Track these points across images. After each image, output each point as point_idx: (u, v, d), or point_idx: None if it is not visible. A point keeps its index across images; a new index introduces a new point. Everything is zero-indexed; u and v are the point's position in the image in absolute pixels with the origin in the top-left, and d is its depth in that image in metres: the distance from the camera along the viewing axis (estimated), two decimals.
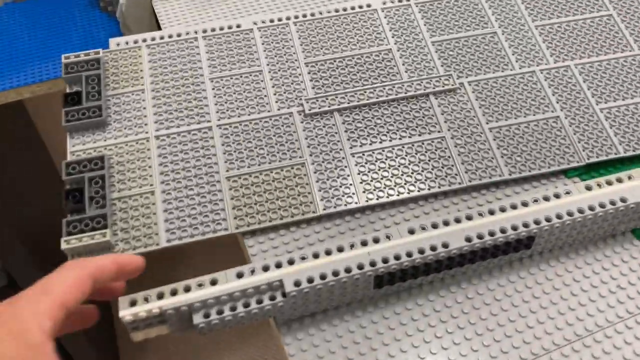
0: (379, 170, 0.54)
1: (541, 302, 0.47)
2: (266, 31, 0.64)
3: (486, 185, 0.54)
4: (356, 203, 0.52)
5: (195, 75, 0.61)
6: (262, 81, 0.60)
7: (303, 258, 0.45)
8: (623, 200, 0.47)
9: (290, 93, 0.59)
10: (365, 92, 0.59)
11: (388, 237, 0.45)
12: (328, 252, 0.45)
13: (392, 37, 0.64)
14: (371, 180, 0.54)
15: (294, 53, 0.62)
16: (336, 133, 0.57)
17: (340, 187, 0.53)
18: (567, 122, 0.57)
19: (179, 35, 0.63)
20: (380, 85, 0.59)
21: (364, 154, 0.55)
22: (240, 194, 0.53)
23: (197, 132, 0.57)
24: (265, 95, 0.59)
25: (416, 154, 0.55)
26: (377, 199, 0.53)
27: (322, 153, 0.55)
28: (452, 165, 0.54)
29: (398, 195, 0.53)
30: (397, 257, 0.44)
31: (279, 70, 0.61)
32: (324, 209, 0.52)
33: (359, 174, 0.54)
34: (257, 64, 0.61)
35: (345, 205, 0.52)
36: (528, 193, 0.54)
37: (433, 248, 0.45)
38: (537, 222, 0.46)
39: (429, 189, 0.53)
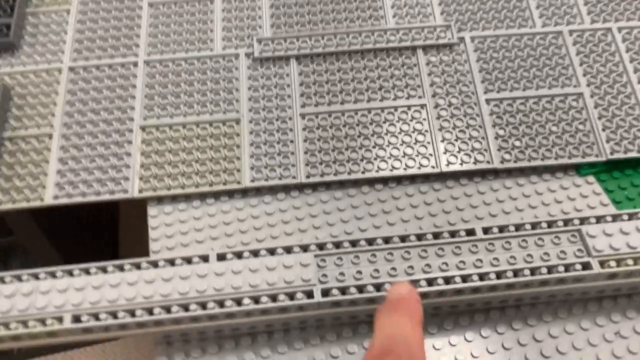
0: (331, 139, 0.42)
1: None
2: None
3: (468, 173, 0.42)
4: (294, 178, 0.41)
5: None
6: (211, 12, 0.48)
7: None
8: None
9: (241, 30, 0.47)
10: (335, 37, 0.46)
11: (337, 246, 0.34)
12: (239, 255, 0.34)
13: None
14: (319, 151, 0.42)
15: None
16: (288, 86, 0.45)
17: (279, 155, 0.42)
18: (593, 103, 0.43)
19: None
20: (357, 30, 0.46)
21: (317, 117, 0.43)
22: (153, 149, 0.42)
23: (119, 67, 0.46)
24: (211, 30, 0.47)
25: (384, 123, 0.43)
26: (321, 176, 0.41)
27: (265, 110, 0.44)
28: (429, 143, 0.42)
29: (349, 174, 0.41)
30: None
31: (234, 0, 0.49)
32: (252, 181, 0.41)
33: (305, 141, 0.42)
34: None
35: (280, 179, 0.41)
36: (523, 189, 0.41)
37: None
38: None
39: (391, 170, 0.41)
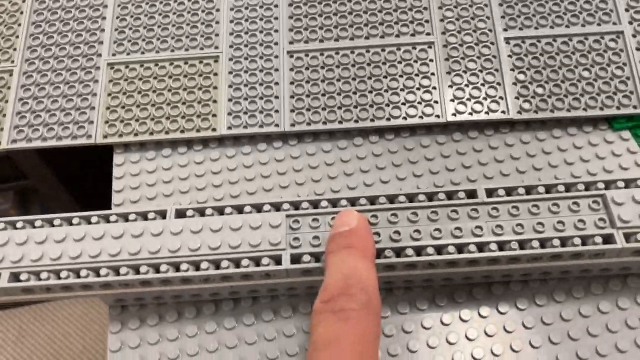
0: (322, 82, 0.37)
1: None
2: None
3: (479, 125, 0.36)
4: (277, 126, 0.36)
5: None
6: None
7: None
8: None
9: None
10: None
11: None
12: (220, 211, 0.30)
13: None
14: (307, 96, 0.36)
15: None
16: (276, 19, 0.39)
17: (261, 99, 0.36)
18: (635, 44, 0.36)
19: None
20: None
21: (307, 55, 0.38)
22: (120, 90, 0.37)
23: None
24: None
25: (384, 64, 0.37)
26: (308, 125, 0.36)
27: (249, 46, 0.38)
28: (435, 89, 0.36)
29: (340, 123, 0.36)
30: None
31: None
32: (229, 128, 0.36)
33: (292, 83, 0.37)
34: None
35: (262, 126, 0.36)
36: (543, 145, 0.35)
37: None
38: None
39: (389, 119, 0.35)
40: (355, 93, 0.36)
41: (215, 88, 0.37)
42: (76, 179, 0.79)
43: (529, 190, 0.29)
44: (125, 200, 0.35)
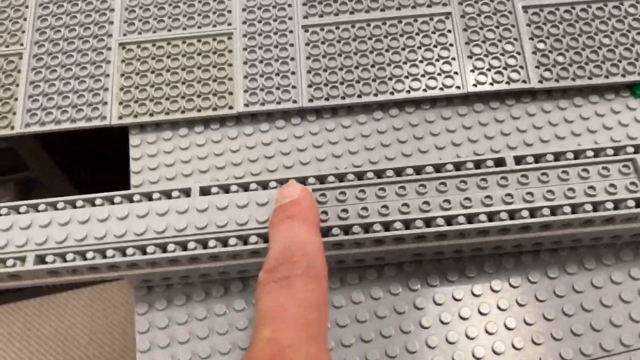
0: (338, 55, 0.36)
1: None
2: None
3: (500, 94, 0.35)
4: (295, 102, 0.35)
5: None
6: None
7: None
8: None
9: None
10: None
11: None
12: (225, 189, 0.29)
13: None
14: (323, 70, 0.36)
15: None
16: None
17: (277, 75, 0.36)
18: None
19: None
20: None
21: (322, 29, 0.37)
22: (133, 69, 0.37)
23: None
24: None
25: (401, 36, 0.36)
26: (327, 100, 0.35)
27: (262, 22, 0.37)
28: (454, 59, 0.35)
29: (359, 97, 0.35)
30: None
31: None
32: (246, 105, 0.35)
33: (308, 58, 0.36)
34: None
35: (279, 102, 0.35)
36: (565, 113, 0.34)
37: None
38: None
39: (408, 92, 0.35)
40: (373, 66, 0.36)
41: (230, 65, 0.36)
42: (78, 167, 0.79)
43: (557, 156, 0.29)
44: (144, 180, 0.34)
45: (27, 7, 0.39)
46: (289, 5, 0.38)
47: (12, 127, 0.36)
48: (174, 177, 0.34)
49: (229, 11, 0.38)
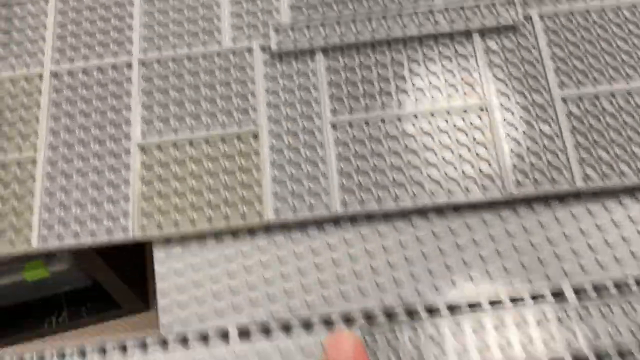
0: (372, 156, 0.34)
1: None
2: None
3: (544, 198, 0.34)
4: (327, 208, 0.33)
5: None
6: None
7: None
8: None
9: (254, 15, 0.39)
10: (369, 20, 0.37)
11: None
12: (265, 330, 0.27)
13: None
14: (359, 173, 0.34)
15: None
16: (314, 87, 0.36)
17: (307, 178, 0.34)
18: None
19: None
20: (396, 11, 0.37)
21: (351, 126, 0.35)
22: (155, 174, 0.35)
23: (111, 69, 0.38)
24: (217, 18, 0.39)
25: (436, 134, 0.35)
26: (361, 205, 0.33)
27: (288, 119, 0.36)
28: (492, 161, 0.34)
29: (395, 201, 0.33)
30: None
31: None
32: (276, 214, 0.33)
33: (339, 159, 0.34)
34: None
35: (311, 210, 0.33)
36: (607, 216, 0.33)
37: None
38: None
39: (448, 198, 0.33)
40: (407, 166, 0.34)
41: (258, 168, 0.34)
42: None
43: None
44: (172, 303, 0.32)
45: (39, 107, 0.37)
46: (316, 101, 0.36)
47: (29, 242, 0.34)
48: (204, 298, 0.32)
49: (254, 109, 0.36)
